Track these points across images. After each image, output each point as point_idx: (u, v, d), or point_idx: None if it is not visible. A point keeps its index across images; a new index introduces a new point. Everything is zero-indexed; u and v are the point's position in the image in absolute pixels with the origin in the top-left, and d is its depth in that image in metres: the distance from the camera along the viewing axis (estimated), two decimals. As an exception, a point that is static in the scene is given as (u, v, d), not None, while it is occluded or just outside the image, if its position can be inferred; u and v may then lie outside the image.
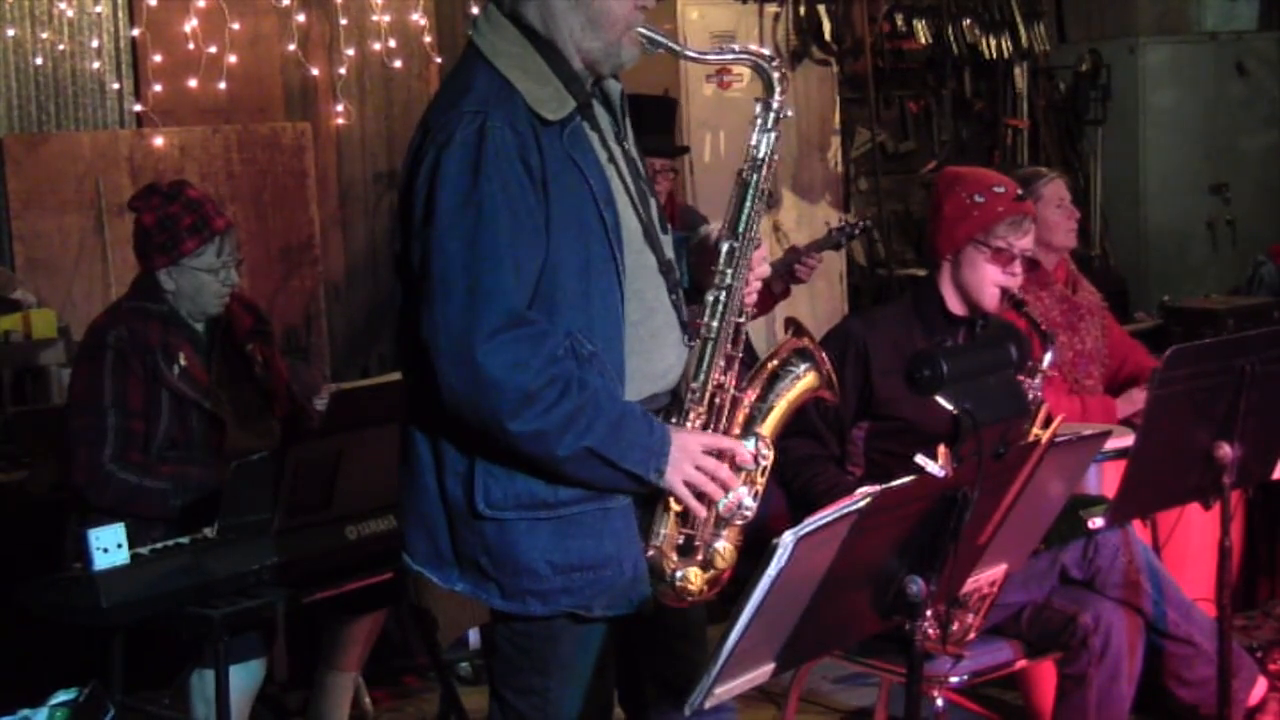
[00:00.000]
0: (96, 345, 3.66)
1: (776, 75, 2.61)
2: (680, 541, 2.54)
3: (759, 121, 2.62)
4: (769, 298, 4.72)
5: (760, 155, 2.61)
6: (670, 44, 2.58)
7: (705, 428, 2.55)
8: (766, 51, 2.64)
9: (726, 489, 2.50)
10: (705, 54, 2.73)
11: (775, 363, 2.63)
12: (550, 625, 2.51)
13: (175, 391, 3.66)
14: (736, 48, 2.68)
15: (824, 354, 2.64)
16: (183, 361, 3.68)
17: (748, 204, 2.60)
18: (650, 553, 2.52)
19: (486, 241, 2.37)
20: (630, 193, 2.56)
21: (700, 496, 2.49)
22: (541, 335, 2.39)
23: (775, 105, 2.61)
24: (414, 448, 2.53)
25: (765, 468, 2.57)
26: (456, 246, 2.37)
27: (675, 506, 2.53)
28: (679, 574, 2.53)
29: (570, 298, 2.44)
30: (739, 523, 2.56)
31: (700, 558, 2.55)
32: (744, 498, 2.55)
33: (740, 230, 2.58)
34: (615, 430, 2.41)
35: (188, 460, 3.68)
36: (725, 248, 2.58)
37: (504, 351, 2.34)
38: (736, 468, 2.55)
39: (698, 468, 2.47)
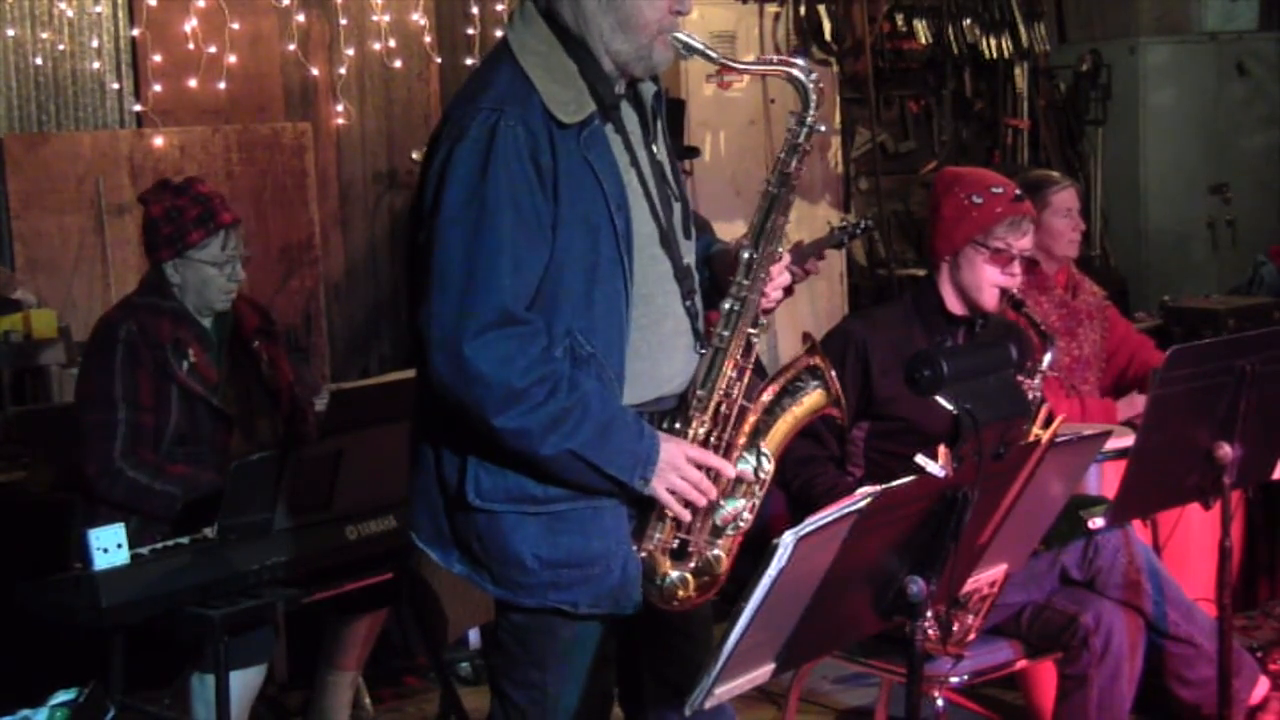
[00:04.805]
0: (107, 340, 3.68)
1: (813, 89, 2.59)
2: (674, 546, 2.55)
3: (790, 136, 2.59)
4: None
5: (790, 170, 2.59)
6: (707, 50, 2.56)
7: (708, 436, 2.56)
8: (803, 63, 2.60)
9: (711, 501, 2.51)
10: (743, 64, 2.71)
11: (786, 378, 2.63)
12: (548, 620, 2.53)
13: (184, 387, 3.68)
14: (774, 59, 2.66)
15: (834, 373, 2.64)
16: (192, 358, 3.71)
17: (771, 217, 2.58)
18: (643, 554, 2.53)
19: (487, 238, 2.38)
20: (651, 197, 2.55)
21: (686, 504, 2.50)
22: (532, 335, 2.40)
23: (810, 120, 2.60)
24: (419, 433, 2.58)
25: (765, 481, 2.58)
26: (457, 241, 2.39)
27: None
28: (670, 578, 2.54)
29: (573, 298, 2.44)
30: (732, 533, 2.56)
31: (694, 565, 2.55)
32: (742, 509, 2.55)
33: (760, 242, 2.58)
34: (602, 435, 2.41)
35: (197, 457, 3.70)
36: (745, 257, 2.58)
37: (491, 348, 2.36)
38: (737, 480, 2.55)
39: (683, 478, 2.48)
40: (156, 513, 3.59)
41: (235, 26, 5.86)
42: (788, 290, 2.73)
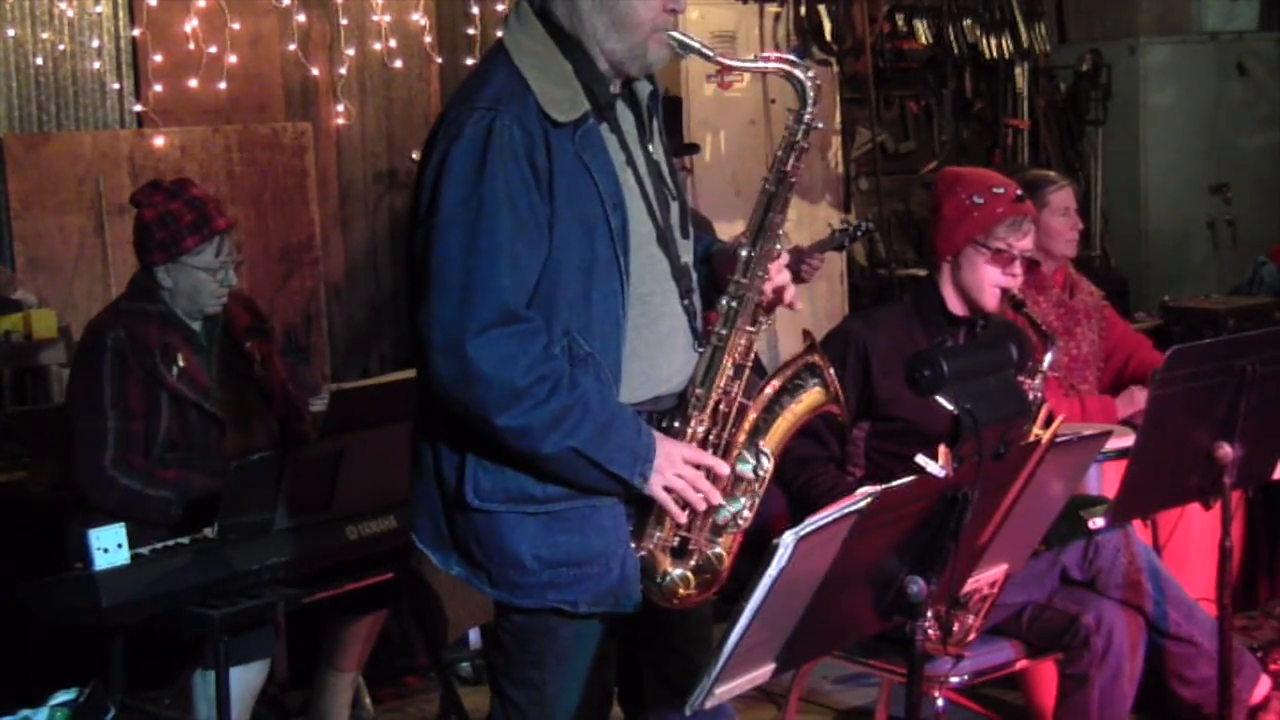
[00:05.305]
0: (95, 346, 3.66)
1: (810, 86, 2.60)
2: (675, 544, 2.55)
3: (788, 134, 2.61)
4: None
5: (787, 168, 2.60)
6: (703, 49, 2.57)
7: (707, 435, 2.56)
8: (800, 60, 2.61)
9: (708, 501, 2.51)
10: (739, 62, 2.71)
11: (785, 376, 2.63)
12: (547, 619, 2.54)
13: (174, 392, 3.66)
14: (771, 56, 2.66)
15: (832, 370, 2.64)
16: (181, 362, 3.67)
17: (769, 215, 2.59)
18: (642, 552, 2.53)
19: (485, 238, 2.39)
20: (648, 196, 2.56)
21: (683, 505, 2.51)
22: (533, 333, 2.40)
23: (808, 118, 2.60)
24: (420, 434, 2.58)
25: (764, 479, 2.58)
26: (455, 241, 2.40)
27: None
28: (671, 576, 2.54)
29: (570, 298, 2.45)
30: (733, 531, 2.56)
31: (694, 563, 2.55)
32: (742, 508, 2.55)
33: (758, 240, 2.59)
34: (603, 433, 2.42)
35: (188, 462, 3.68)
36: (743, 255, 2.58)
37: (493, 347, 2.37)
38: (737, 479, 2.55)
39: (679, 476, 2.48)
40: (151, 519, 3.57)
41: (235, 26, 5.86)
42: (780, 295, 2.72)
